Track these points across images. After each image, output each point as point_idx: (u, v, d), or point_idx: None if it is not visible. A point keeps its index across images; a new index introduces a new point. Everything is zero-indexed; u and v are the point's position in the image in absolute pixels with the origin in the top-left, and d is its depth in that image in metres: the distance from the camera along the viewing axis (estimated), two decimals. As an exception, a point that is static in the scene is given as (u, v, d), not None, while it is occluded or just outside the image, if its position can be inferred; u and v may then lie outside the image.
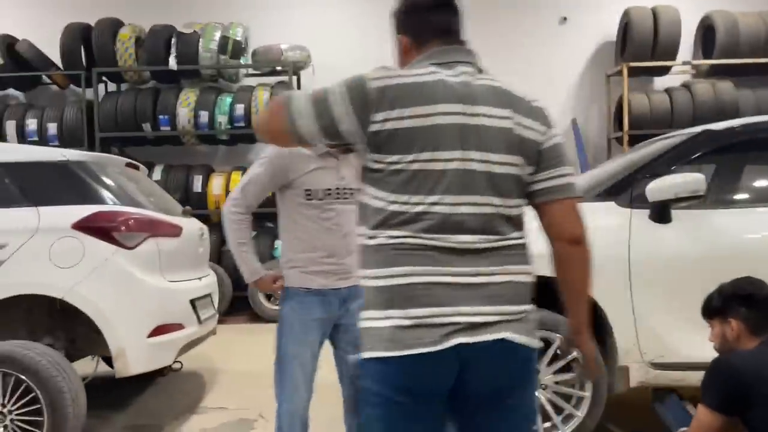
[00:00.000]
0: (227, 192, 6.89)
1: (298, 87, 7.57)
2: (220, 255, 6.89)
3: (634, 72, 7.49)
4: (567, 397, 3.05)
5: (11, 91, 7.90)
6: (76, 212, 3.39)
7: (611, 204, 3.15)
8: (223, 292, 6.33)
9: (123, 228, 3.41)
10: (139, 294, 3.41)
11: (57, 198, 3.48)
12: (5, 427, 3.04)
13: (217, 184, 7.17)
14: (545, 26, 8.04)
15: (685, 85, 7.55)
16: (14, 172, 3.50)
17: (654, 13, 7.43)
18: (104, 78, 7.71)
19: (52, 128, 7.31)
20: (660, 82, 7.92)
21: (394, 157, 1.41)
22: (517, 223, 1.50)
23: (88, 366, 3.83)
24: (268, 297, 6.67)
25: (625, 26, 7.63)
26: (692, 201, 2.98)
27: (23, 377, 3.02)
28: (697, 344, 2.62)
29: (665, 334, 3.00)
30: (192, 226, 4.18)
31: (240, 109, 7.13)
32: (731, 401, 2.06)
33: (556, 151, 1.51)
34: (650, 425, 3.17)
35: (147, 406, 4.21)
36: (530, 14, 8.05)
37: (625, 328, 3.01)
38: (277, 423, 2.32)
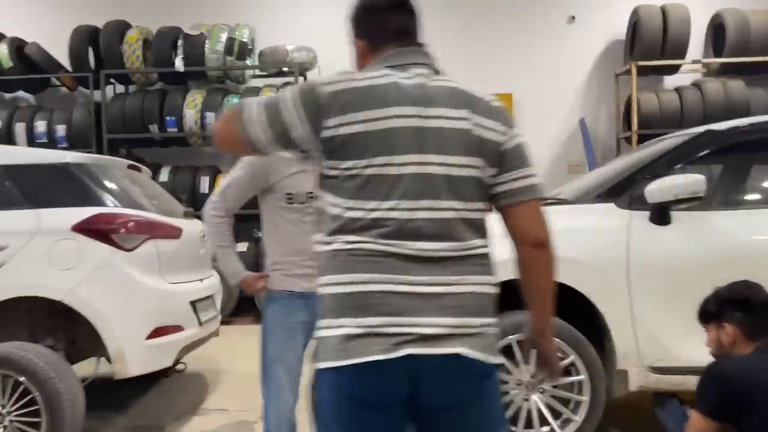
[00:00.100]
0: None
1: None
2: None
3: (643, 71, 7.41)
4: (565, 402, 3.02)
5: (21, 93, 7.98)
6: (75, 214, 3.41)
7: (611, 206, 3.11)
8: (229, 293, 6.35)
9: (122, 230, 3.43)
10: (138, 296, 3.42)
11: (57, 200, 3.50)
12: (5, 427, 3.06)
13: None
14: (553, 25, 7.99)
15: (696, 84, 7.46)
16: (15, 174, 3.52)
17: (663, 11, 7.35)
18: (112, 80, 7.76)
19: (60, 130, 7.38)
20: (670, 81, 7.83)
21: (349, 163, 1.38)
22: (480, 229, 1.45)
23: (92, 367, 3.85)
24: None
25: (634, 25, 7.55)
26: (692, 202, 2.93)
27: (21, 379, 3.04)
28: (698, 348, 2.57)
29: (665, 338, 2.96)
30: (193, 227, 4.19)
31: (247, 110, 7.14)
32: (725, 408, 2.02)
33: (518, 151, 1.47)
34: (651, 429, 3.13)
35: (149, 407, 4.23)
36: (538, 13, 8.00)
37: (624, 332, 2.97)
38: (264, 427, 2.32)
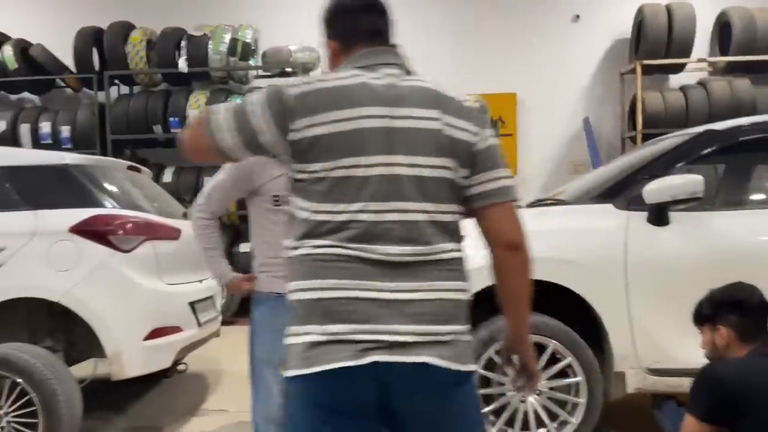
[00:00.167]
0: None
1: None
2: (230, 256, 6.92)
3: (648, 70, 7.36)
4: (562, 404, 3.00)
5: (26, 94, 8.03)
6: (73, 216, 3.42)
7: (608, 206, 3.09)
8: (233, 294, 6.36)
9: (119, 232, 3.43)
10: (135, 297, 3.43)
11: (56, 201, 3.51)
12: (2, 428, 3.08)
13: (226, 185, 7.20)
14: (557, 24, 7.95)
15: (701, 83, 7.40)
16: (14, 175, 3.54)
17: (668, 9, 7.29)
18: (116, 81, 7.79)
19: (65, 131, 7.42)
20: (676, 80, 7.78)
21: (317, 165, 1.36)
22: (452, 232, 1.42)
23: (93, 368, 3.86)
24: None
25: (639, 23, 7.50)
26: (690, 203, 2.90)
27: (19, 379, 3.05)
28: (696, 350, 2.53)
29: (663, 340, 2.93)
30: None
31: (250, 110, 7.16)
32: (718, 411, 1.99)
33: (490, 152, 1.44)
34: (650, 431, 3.11)
35: (149, 408, 4.23)
36: (542, 12, 7.96)
37: (622, 333, 2.95)
38: (253, 428, 2.32)
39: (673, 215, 2.98)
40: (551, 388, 2.99)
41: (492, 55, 7.92)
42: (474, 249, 2.70)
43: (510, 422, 2.98)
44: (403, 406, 1.34)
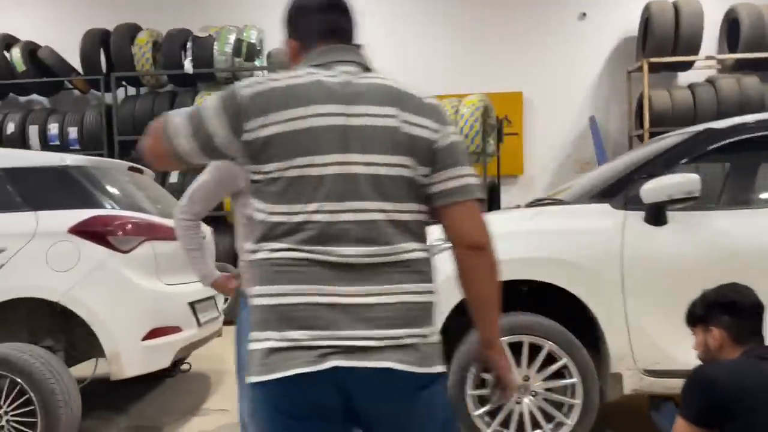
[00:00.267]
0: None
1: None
2: (235, 256, 6.94)
3: (655, 68, 7.31)
4: (557, 405, 2.97)
5: (35, 96, 8.11)
6: (73, 216, 3.45)
7: (605, 206, 3.06)
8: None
9: (118, 232, 3.45)
10: (134, 297, 3.44)
11: (56, 202, 3.53)
12: (1, 428, 3.11)
13: (232, 185, 7.23)
14: (564, 22, 7.91)
15: (709, 81, 7.33)
16: (15, 177, 3.57)
17: (675, 6, 7.23)
18: (123, 82, 7.85)
19: (72, 132, 7.49)
20: (684, 78, 7.71)
21: (271, 166, 1.33)
22: (414, 231, 1.38)
23: (100, 368, 3.88)
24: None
25: (646, 21, 7.44)
26: (688, 202, 2.87)
27: (18, 379, 3.08)
28: (693, 351, 2.52)
29: (660, 341, 2.90)
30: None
31: (254, 111, 7.19)
32: (709, 414, 1.97)
33: (452, 150, 1.40)
34: (647, 434, 3.08)
35: (150, 408, 4.26)
36: (549, 11, 7.93)
37: (618, 334, 2.92)
38: (240, 426, 2.32)
39: (671, 215, 2.95)
40: (547, 389, 2.97)
41: (498, 54, 7.90)
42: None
43: (505, 423, 2.97)
44: (366, 410, 1.33)
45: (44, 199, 3.54)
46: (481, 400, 2.99)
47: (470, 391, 2.94)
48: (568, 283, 2.92)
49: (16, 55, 7.50)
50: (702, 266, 2.85)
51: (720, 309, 2.16)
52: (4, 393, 3.10)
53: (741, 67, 7.35)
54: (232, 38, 7.28)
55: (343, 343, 1.28)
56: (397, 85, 1.41)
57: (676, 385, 2.85)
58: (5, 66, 7.53)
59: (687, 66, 7.51)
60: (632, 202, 2.98)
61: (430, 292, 1.40)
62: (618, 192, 3.08)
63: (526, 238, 3.04)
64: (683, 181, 2.83)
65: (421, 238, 1.40)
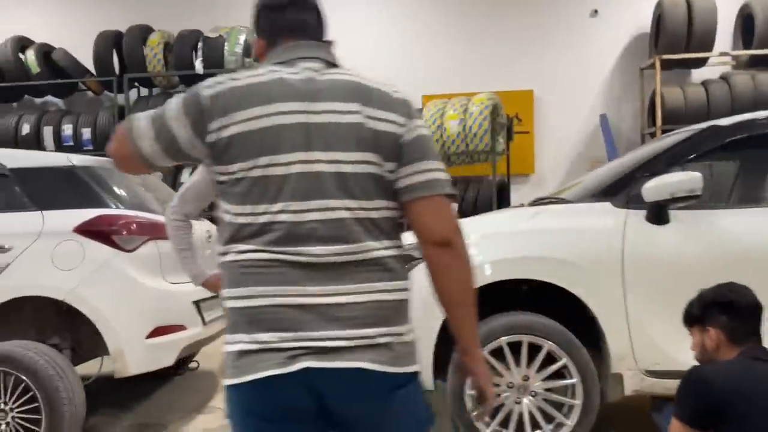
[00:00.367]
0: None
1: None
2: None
3: (668, 65, 7.21)
4: (557, 405, 2.95)
5: (50, 98, 8.22)
6: (78, 216, 3.49)
7: (606, 204, 3.03)
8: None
9: (123, 232, 3.49)
10: (138, 296, 3.48)
11: (62, 202, 3.58)
12: (7, 424, 3.15)
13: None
14: (576, 20, 7.84)
15: (723, 77, 7.22)
16: (22, 177, 3.62)
17: (688, 2, 7.13)
18: (135, 83, 7.93)
19: (86, 133, 7.58)
20: (699, 75, 7.61)
21: (235, 166, 1.31)
22: (384, 229, 1.35)
23: (106, 366, 3.93)
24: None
25: (658, 17, 7.35)
26: (689, 201, 2.83)
27: (23, 377, 3.12)
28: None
29: (662, 341, 2.86)
30: (199, 227, 4.23)
31: (264, 110, 7.23)
32: (703, 415, 1.94)
33: (418, 144, 1.36)
34: (650, 435, 3.04)
35: (157, 405, 4.30)
36: (560, 8, 7.86)
37: (619, 334, 2.89)
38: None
39: (674, 214, 2.91)
40: (547, 390, 2.95)
41: (509, 52, 7.85)
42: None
43: (505, 423, 2.95)
44: (340, 410, 1.31)
45: (51, 199, 3.58)
46: (481, 399, 2.97)
47: (469, 391, 2.92)
48: (567, 283, 2.89)
49: (30, 57, 7.60)
50: (704, 266, 2.81)
51: (717, 309, 2.13)
52: (9, 390, 3.14)
53: (755, 63, 7.23)
54: (242, 39, 7.32)
55: (313, 344, 1.27)
56: (361, 80, 1.37)
57: (677, 385, 2.83)
58: (20, 68, 7.64)
59: (700, 63, 7.41)
60: (634, 201, 2.95)
61: (402, 289, 1.37)
62: (620, 191, 3.05)
63: (526, 237, 3.02)
64: (685, 179, 2.79)
65: (391, 235, 1.37)
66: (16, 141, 7.47)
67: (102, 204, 3.61)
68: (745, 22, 7.31)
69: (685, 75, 7.68)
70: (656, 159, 3.14)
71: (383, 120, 1.34)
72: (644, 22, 7.61)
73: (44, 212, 3.53)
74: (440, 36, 7.98)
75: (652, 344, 2.87)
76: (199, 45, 7.43)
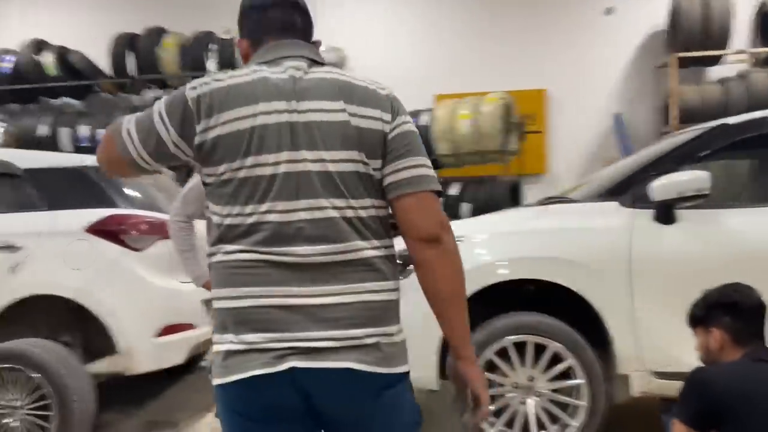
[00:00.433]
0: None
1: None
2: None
3: (684, 63, 7.12)
4: (563, 406, 2.93)
5: (67, 99, 8.33)
6: (89, 216, 3.54)
7: (613, 204, 3.00)
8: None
9: (133, 231, 3.53)
10: (147, 295, 3.51)
11: (73, 202, 3.63)
12: (21, 421, 3.20)
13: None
14: (589, 17, 7.77)
15: (741, 75, 7.11)
16: (34, 177, 3.68)
17: (704, -1, 7.04)
18: (150, 85, 8.00)
19: (102, 134, 7.66)
20: (716, 73, 7.50)
21: (222, 167, 1.30)
22: (373, 228, 1.34)
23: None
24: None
25: (674, 14, 7.26)
26: (697, 200, 2.80)
27: (34, 374, 3.17)
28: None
29: (669, 342, 2.83)
30: (201, 228, 4.27)
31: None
32: (704, 417, 1.92)
33: (404, 140, 1.35)
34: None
35: (168, 403, 4.34)
36: (574, 5, 7.80)
37: (625, 335, 2.87)
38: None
39: (682, 213, 2.88)
40: (553, 390, 2.93)
41: (521, 51, 7.81)
42: (464, 249, 2.64)
43: (510, 424, 2.94)
44: (328, 410, 1.31)
45: (63, 199, 3.63)
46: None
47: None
48: (572, 283, 2.87)
49: (47, 59, 7.71)
50: (712, 266, 2.78)
51: (721, 310, 2.11)
52: (21, 387, 3.19)
53: (774, 61, 7.12)
54: (255, 40, 7.36)
55: (300, 344, 1.27)
56: (346, 78, 1.37)
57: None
58: (38, 70, 7.75)
59: (717, 61, 7.30)
60: (641, 200, 2.92)
61: (391, 290, 1.36)
62: (627, 190, 3.02)
63: (530, 237, 3.01)
64: (692, 178, 2.77)
65: (380, 235, 1.36)
66: (33, 142, 7.58)
67: (113, 204, 3.65)
68: (764, 20, 7.19)
69: (701, 73, 7.57)
70: (664, 158, 3.11)
71: (367, 117, 1.33)
72: (659, 19, 7.52)
73: (56, 212, 3.58)
74: (452, 35, 7.96)
75: (660, 345, 2.85)
76: (211, 46, 7.48)
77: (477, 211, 6.47)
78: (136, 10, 8.15)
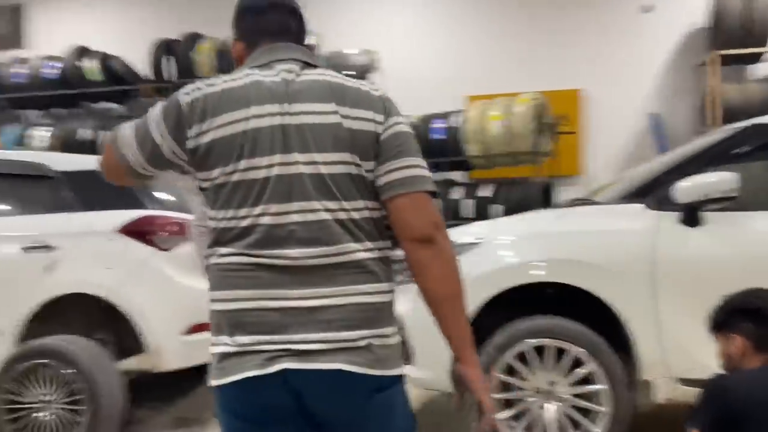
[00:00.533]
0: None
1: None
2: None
3: (725, 61, 6.91)
4: (585, 412, 2.88)
5: (109, 104, 8.59)
6: (121, 217, 3.64)
7: (638, 206, 2.94)
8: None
9: (162, 232, 3.62)
10: (175, 294, 3.60)
11: (107, 203, 3.74)
12: (52, 414, 3.32)
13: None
14: (625, 15, 7.62)
15: (786, 73, 6.88)
16: (69, 179, 3.80)
17: (746, -5, 6.82)
18: (188, 89, 8.19)
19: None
20: (758, 71, 7.26)
21: (216, 172, 1.31)
22: (367, 230, 1.33)
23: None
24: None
25: (715, 11, 7.06)
26: (725, 202, 2.72)
27: (67, 370, 3.28)
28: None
29: (695, 348, 2.76)
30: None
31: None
32: (721, 424, 1.87)
33: (397, 140, 1.34)
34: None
35: (198, 400, 4.43)
36: (610, 4, 7.66)
37: (649, 340, 2.81)
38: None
39: (709, 216, 2.80)
40: (574, 395, 2.88)
41: (554, 51, 7.70)
42: (483, 255, 2.62)
43: (530, 429, 2.90)
44: (320, 412, 1.31)
45: (97, 201, 3.75)
46: (506, 404, 2.94)
47: (493, 395, 2.90)
48: (594, 286, 2.83)
49: (89, 65, 7.96)
50: (739, 270, 2.70)
51: (742, 315, 2.05)
52: (53, 383, 3.30)
53: (821, 57, 6.86)
54: (288, 43, 7.45)
55: (293, 346, 1.28)
56: (338, 80, 1.37)
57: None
58: (80, 76, 8.01)
59: (758, 58, 7.07)
60: (666, 202, 2.86)
61: (385, 291, 1.35)
62: (652, 192, 2.96)
63: (551, 240, 2.97)
64: (720, 179, 2.69)
65: (374, 237, 1.35)
66: (77, 145, 7.83)
67: (144, 205, 3.75)
68: (810, 14, 6.93)
69: (742, 71, 7.34)
70: (694, 159, 3.04)
71: (359, 119, 1.33)
72: (698, 17, 7.32)
73: (90, 213, 3.70)
74: (485, 36, 7.91)
75: (685, 351, 2.78)
76: (248, 50, 7.61)
77: (509, 213, 6.41)
78: (174, 16, 8.36)
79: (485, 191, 6.68)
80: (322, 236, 1.30)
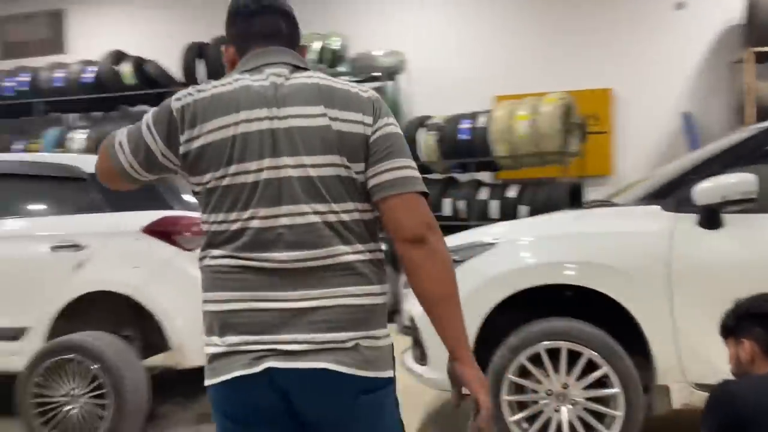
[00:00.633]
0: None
1: (395, 92, 7.71)
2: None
3: (761, 58, 6.73)
4: (600, 416, 2.86)
5: (144, 107, 8.81)
6: (145, 217, 3.75)
7: (655, 208, 2.90)
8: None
9: (185, 232, 3.72)
10: (197, 293, 3.66)
11: (133, 204, 3.84)
12: (79, 408, 3.43)
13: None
14: (657, 13, 7.48)
15: (824, 70, 6.66)
16: (99, 181, 3.92)
17: (783, -10, 6.62)
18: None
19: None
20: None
21: (207, 176, 1.33)
22: (357, 232, 1.34)
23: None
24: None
25: (750, 7, 6.87)
26: (744, 204, 2.67)
27: (93, 365, 3.40)
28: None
29: (712, 353, 2.69)
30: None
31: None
32: (728, 430, 1.84)
33: (386, 142, 1.34)
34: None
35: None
36: (641, 1, 7.53)
37: (665, 344, 2.76)
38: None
39: (728, 218, 2.75)
40: (588, 399, 2.86)
41: (584, 50, 7.61)
42: (499, 256, 2.60)
43: (543, 431, 2.89)
44: (307, 412, 1.33)
45: (123, 201, 3.86)
46: (519, 406, 2.93)
47: (506, 397, 2.89)
48: (610, 289, 2.80)
49: (125, 69, 8.18)
50: (759, 273, 2.64)
51: (752, 320, 2.01)
52: (80, 377, 3.42)
53: None
54: (315, 46, 7.53)
55: (279, 346, 1.30)
56: (326, 82, 1.37)
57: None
58: (116, 79, 8.24)
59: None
60: (685, 204, 2.81)
61: (375, 294, 1.36)
62: (670, 193, 2.91)
63: (566, 241, 2.95)
64: (738, 181, 2.64)
65: (364, 239, 1.36)
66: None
67: (170, 206, 3.86)
68: None
69: (781, 68, 7.13)
70: (715, 160, 2.98)
71: (348, 121, 1.34)
72: (733, 13, 7.14)
73: (116, 213, 3.82)
74: (513, 35, 7.86)
75: (702, 356, 2.73)
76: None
77: (534, 214, 6.36)
78: (205, 20, 8.51)
79: (511, 192, 6.65)
80: (310, 239, 1.32)
